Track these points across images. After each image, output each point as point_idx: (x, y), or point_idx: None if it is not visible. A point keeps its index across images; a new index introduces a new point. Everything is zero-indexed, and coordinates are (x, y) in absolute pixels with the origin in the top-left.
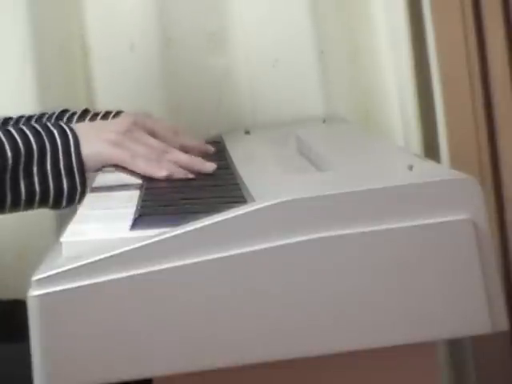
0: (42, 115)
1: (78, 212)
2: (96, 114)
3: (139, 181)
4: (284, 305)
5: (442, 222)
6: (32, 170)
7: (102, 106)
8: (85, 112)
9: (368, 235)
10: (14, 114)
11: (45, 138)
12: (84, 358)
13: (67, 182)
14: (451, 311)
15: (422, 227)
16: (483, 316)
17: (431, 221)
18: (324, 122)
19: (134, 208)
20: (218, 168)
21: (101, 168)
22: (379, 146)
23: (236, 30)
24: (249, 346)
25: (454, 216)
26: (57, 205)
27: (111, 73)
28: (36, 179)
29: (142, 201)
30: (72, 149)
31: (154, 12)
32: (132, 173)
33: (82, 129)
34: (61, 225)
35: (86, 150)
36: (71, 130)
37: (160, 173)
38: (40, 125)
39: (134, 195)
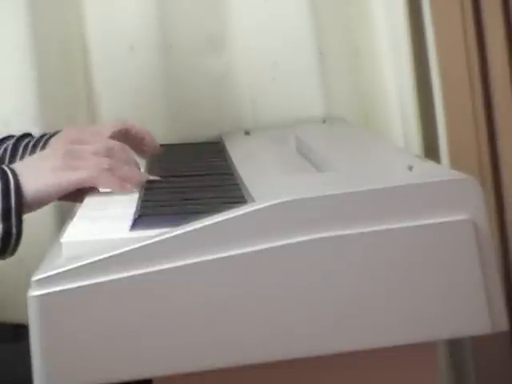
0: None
1: (78, 212)
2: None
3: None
4: (284, 305)
5: (441, 223)
6: None
7: (101, 107)
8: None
9: (368, 235)
10: (12, 115)
11: None
12: (84, 358)
13: (2, 225)
14: (451, 311)
15: (421, 227)
16: (483, 316)
17: (431, 221)
18: (324, 122)
19: (134, 208)
20: (218, 168)
21: (57, 198)
22: (379, 146)
23: (235, 31)
24: (249, 346)
25: (454, 216)
26: None
27: (111, 73)
28: None
29: (142, 201)
30: (12, 191)
31: (154, 13)
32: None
33: (23, 166)
34: (61, 225)
35: (28, 192)
36: (11, 170)
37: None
38: None
39: (134, 195)
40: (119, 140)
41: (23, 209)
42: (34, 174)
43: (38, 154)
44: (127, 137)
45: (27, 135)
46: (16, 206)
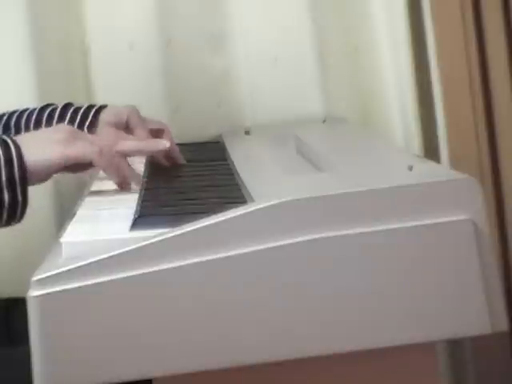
0: (24, 110)
1: (78, 212)
2: (78, 108)
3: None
4: (283, 305)
5: (441, 223)
6: None
7: None
8: (66, 106)
9: (368, 235)
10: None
11: None
12: (84, 358)
13: (8, 194)
14: (451, 311)
15: (422, 227)
16: (483, 316)
17: (431, 221)
18: (324, 122)
19: (134, 208)
20: (218, 168)
21: (58, 170)
22: (379, 146)
23: (235, 29)
24: (249, 347)
25: (454, 216)
26: None
27: (111, 72)
28: None
29: (142, 201)
30: (15, 160)
31: (154, 12)
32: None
33: (25, 138)
34: (61, 225)
35: (31, 162)
36: (13, 141)
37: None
38: None
39: (134, 195)
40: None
41: (27, 177)
42: (36, 144)
43: (42, 129)
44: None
45: (48, 105)
46: (20, 174)
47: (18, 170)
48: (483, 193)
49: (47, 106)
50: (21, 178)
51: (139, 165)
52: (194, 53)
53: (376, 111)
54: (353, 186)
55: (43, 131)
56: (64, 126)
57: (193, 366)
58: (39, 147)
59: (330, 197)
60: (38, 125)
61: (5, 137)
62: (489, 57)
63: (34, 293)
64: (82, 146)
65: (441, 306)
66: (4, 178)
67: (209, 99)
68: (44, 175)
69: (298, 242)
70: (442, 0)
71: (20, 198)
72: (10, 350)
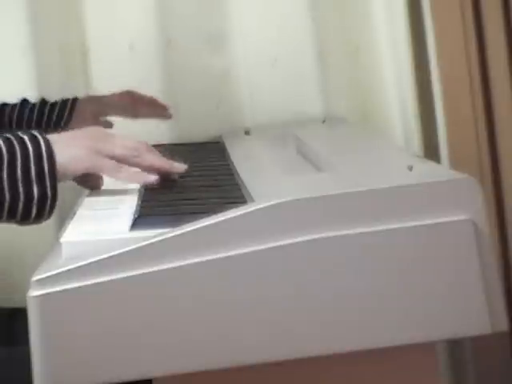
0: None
1: (78, 212)
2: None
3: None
4: (284, 305)
5: (441, 223)
6: (2, 176)
7: None
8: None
9: (368, 235)
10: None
11: (15, 143)
12: (84, 358)
13: (37, 188)
14: (451, 311)
15: (421, 227)
16: (483, 316)
17: (431, 221)
18: (324, 122)
19: (134, 208)
20: (218, 168)
21: (79, 174)
22: (379, 146)
23: (235, 30)
24: (248, 347)
25: (454, 216)
26: (26, 213)
27: (111, 73)
28: (6, 185)
29: (142, 201)
30: (44, 154)
31: (154, 12)
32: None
33: (56, 137)
34: (61, 225)
35: (61, 158)
36: (43, 136)
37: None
38: (11, 133)
39: (134, 195)
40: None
41: (57, 172)
42: (66, 144)
43: (71, 131)
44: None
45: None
46: (49, 169)
47: (48, 165)
48: (483, 193)
49: (26, 101)
50: (50, 172)
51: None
52: (194, 53)
53: (376, 111)
54: (353, 186)
55: (72, 133)
56: (92, 130)
57: (193, 366)
58: (69, 148)
59: (330, 197)
60: (19, 123)
61: (35, 132)
62: (489, 56)
63: (33, 293)
64: (109, 163)
65: (441, 306)
66: (33, 173)
67: (209, 99)
68: (69, 175)
69: (297, 242)
70: (442, 0)
71: (50, 193)
72: (10, 349)
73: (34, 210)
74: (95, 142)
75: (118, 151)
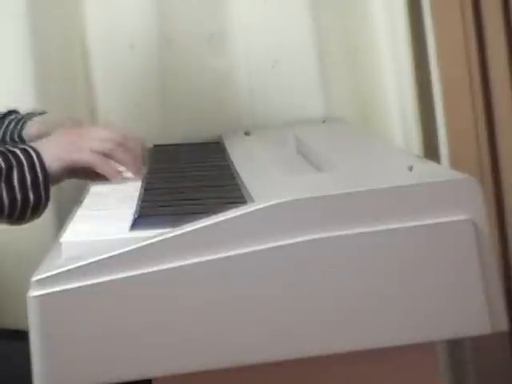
0: None
1: (78, 213)
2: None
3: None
4: (283, 305)
5: (441, 223)
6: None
7: (101, 106)
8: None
9: (368, 236)
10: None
11: (10, 156)
12: (84, 358)
13: (33, 195)
14: (451, 312)
15: (421, 227)
16: (483, 316)
17: (431, 221)
18: (324, 122)
19: (134, 208)
20: (218, 168)
21: (68, 172)
22: (379, 146)
23: (236, 30)
24: (248, 347)
25: (454, 216)
26: (22, 216)
27: (111, 73)
28: (4, 193)
29: (142, 201)
30: (36, 163)
31: (154, 12)
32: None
33: (41, 144)
34: (60, 225)
35: (51, 166)
36: (32, 147)
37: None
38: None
39: (134, 195)
40: None
41: (49, 179)
42: (52, 150)
43: (55, 134)
44: None
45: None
46: (43, 176)
47: (41, 173)
48: (483, 193)
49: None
50: (44, 179)
51: None
52: (194, 53)
53: (376, 111)
54: (353, 186)
55: (56, 135)
56: (72, 131)
57: (193, 365)
58: (54, 153)
59: (330, 197)
60: None
61: (24, 145)
62: (489, 56)
63: (33, 293)
64: (83, 155)
65: (441, 306)
66: (29, 182)
67: (209, 99)
68: (59, 177)
69: (297, 242)
70: (442, 0)
71: (43, 197)
72: (10, 348)
73: (29, 213)
74: (78, 141)
75: (98, 146)
